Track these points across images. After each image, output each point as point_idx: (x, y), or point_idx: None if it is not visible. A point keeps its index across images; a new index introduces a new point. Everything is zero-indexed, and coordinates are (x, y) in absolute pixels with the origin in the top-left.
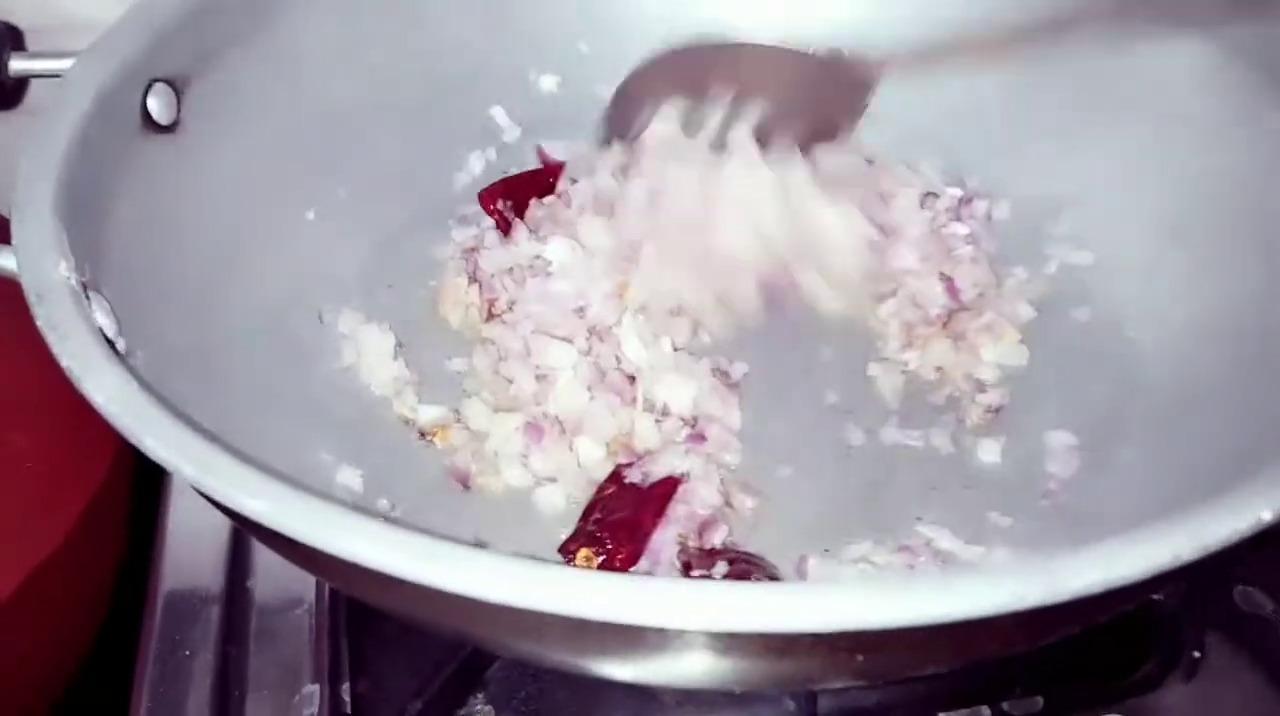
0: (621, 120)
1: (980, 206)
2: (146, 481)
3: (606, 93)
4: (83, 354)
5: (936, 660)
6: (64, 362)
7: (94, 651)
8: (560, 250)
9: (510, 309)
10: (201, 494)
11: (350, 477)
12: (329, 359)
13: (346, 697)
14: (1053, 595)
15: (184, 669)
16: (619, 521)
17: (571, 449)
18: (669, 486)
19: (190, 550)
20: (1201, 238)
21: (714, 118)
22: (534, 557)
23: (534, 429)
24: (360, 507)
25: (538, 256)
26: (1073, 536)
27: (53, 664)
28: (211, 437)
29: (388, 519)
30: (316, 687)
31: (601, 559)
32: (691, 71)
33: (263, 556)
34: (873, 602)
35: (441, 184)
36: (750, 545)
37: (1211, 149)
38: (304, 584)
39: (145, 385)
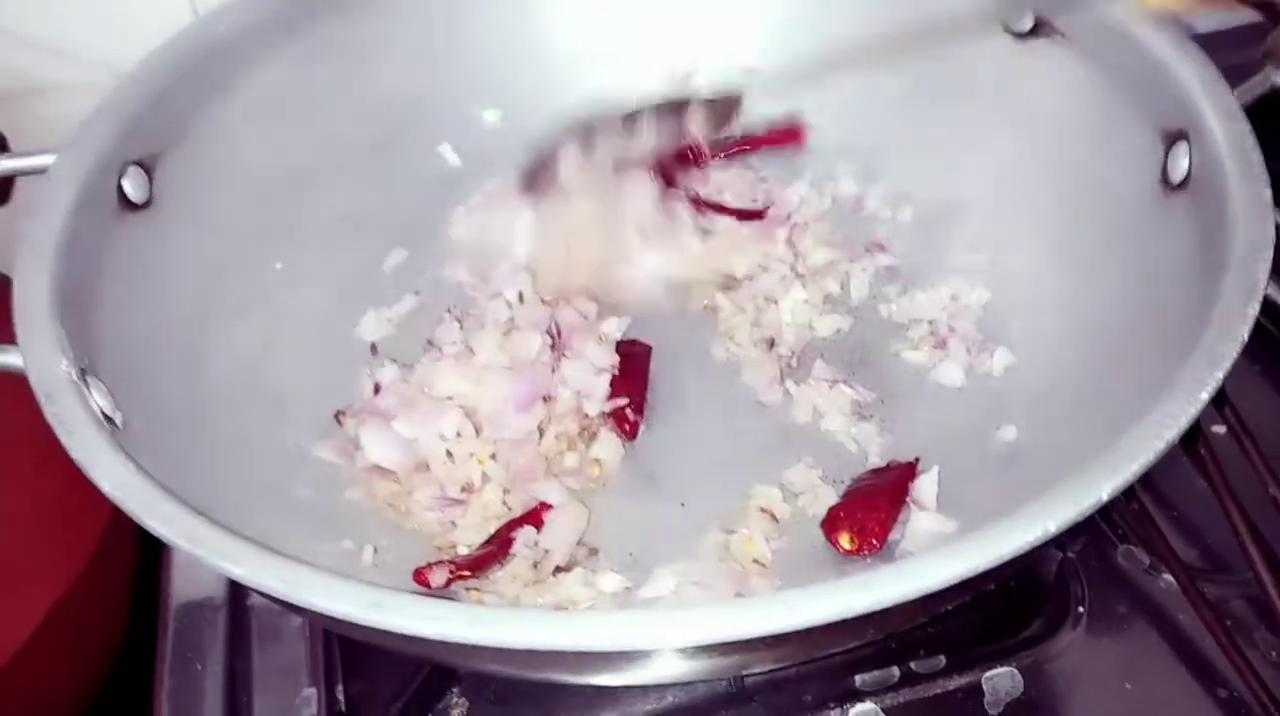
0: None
1: (886, 212)
2: None
3: (546, 122)
4: (88, 446)
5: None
6: (74, 455)
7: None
8: None
9: None
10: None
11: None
12: (305, 407)
13: (341, 698)
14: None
15: (197, 678)
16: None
17: None
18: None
19: (195, 574)
20: (1070, 239)
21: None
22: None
23: None
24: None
25: None
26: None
27: (78, 682)
28: (199, 512)
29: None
30: (314, 690)
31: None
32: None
33: None
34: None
35: (398, 221)
36: None
37: (1075, 153)
38: None
39: (144, 471)
